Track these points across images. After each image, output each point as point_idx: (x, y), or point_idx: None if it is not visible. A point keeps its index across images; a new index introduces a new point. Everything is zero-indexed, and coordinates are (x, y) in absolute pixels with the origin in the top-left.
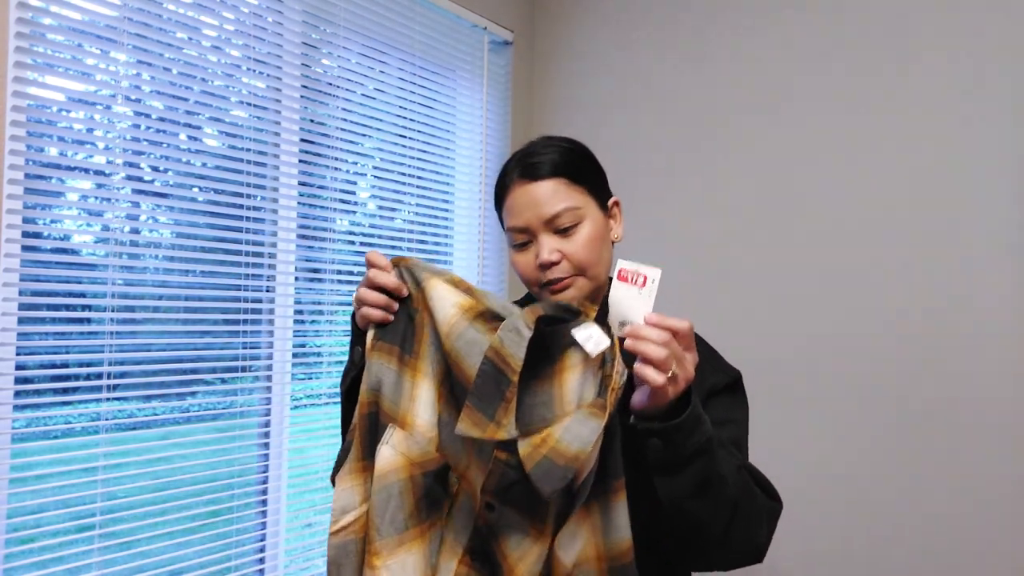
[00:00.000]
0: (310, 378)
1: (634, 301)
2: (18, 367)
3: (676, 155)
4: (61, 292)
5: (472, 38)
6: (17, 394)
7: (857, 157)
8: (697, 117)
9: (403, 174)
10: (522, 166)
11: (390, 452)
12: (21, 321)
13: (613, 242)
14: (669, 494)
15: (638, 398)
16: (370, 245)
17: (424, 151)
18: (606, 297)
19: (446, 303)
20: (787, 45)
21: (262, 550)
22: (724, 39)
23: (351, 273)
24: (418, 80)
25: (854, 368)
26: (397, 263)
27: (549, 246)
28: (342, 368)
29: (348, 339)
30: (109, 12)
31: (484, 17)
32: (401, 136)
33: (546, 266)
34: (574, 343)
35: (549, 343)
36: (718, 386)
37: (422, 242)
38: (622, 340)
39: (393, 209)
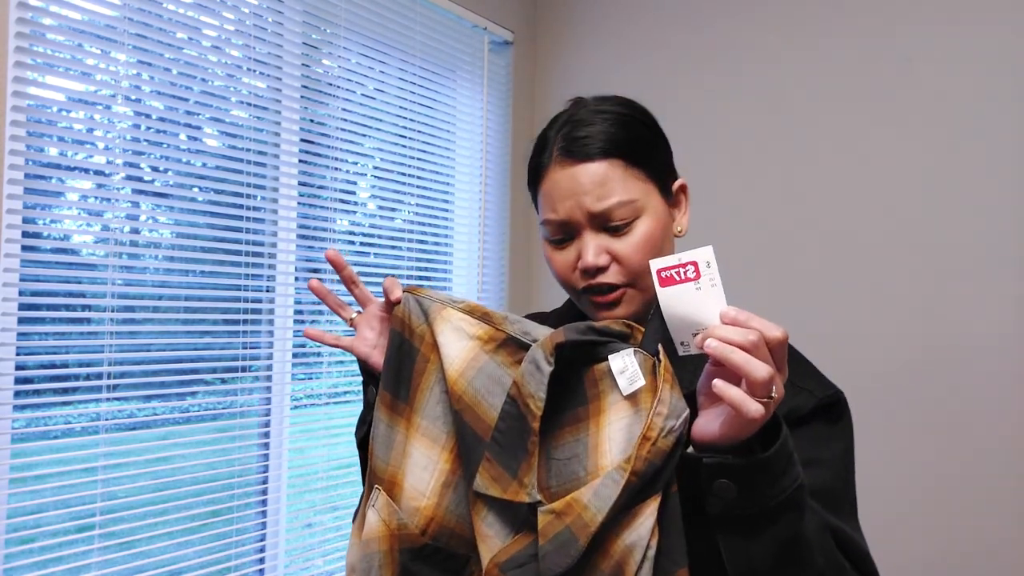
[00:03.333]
0: (310, 378)
1: (698, 298)
2: (18, 367)
3: (676, 155)
4: (61, 292)
5: (472, 38)
6: (17, 394)
7: (870, 155)
8: (698, 117)
9: (403, 174)
10: (565, 141)
11: (374, 517)
12: (21, 321)
13: (678, 237)
14: (741, 565)
15: (706, 429)
16: (370, 245)
17: (424, 151)
18: (652, 313)
19: (460, 337)
20: (788, 45)
21: (262, 550)
22: (724, 38)
23: None
24: (418, 80)
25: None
26: (409, 292)
27: (596, 246)
28: (342, 368)
29: (348, 339)
30: (109, 12)
31: (484, 17)
32: (401, 136)
33: (591, 271)
34: (611, 374)
35: (580, 374)
36: (801, 410)
37: (422, 242)
38: (677, 364)
39: (393, 209)
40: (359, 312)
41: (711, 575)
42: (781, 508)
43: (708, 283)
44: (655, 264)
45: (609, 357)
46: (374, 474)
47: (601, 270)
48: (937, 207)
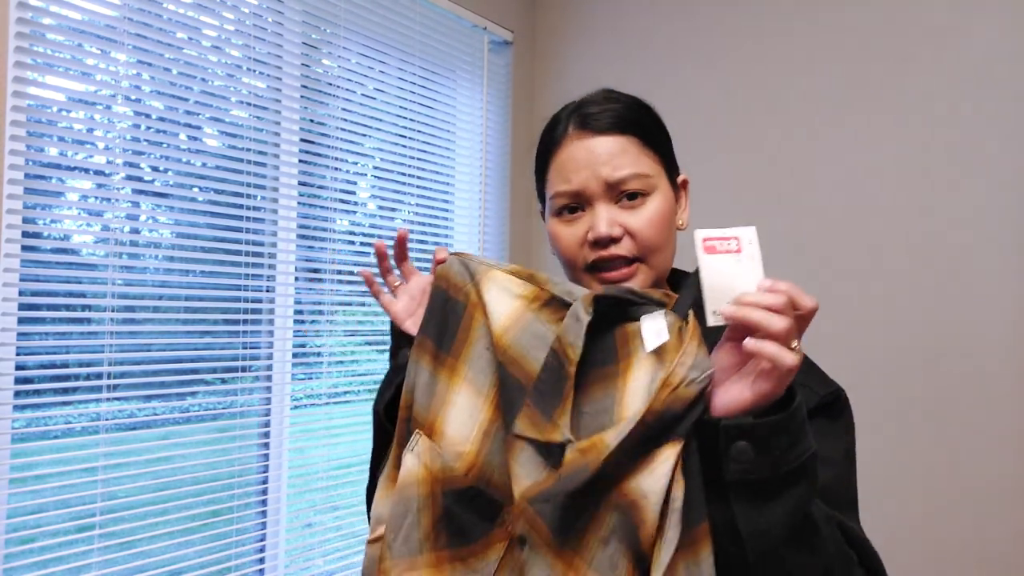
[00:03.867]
0: (310, 378)
1: (737, 270)
2: (18, 367)
3: (676, 153)
4: (61, 292)
5: (472, 38)
6: (17, 394)
7: (859, 155)
8: (698, 117)
9: (403, 174)
10: (581, 116)
11: (413, 461)
12: (21, 321)
13: (679, 229)
14: (756, 529)
15: (725, 397)
16: (370, 245)
17: (424, 151)
18: (688, 281)
19: (506, 296)
20: (788, 44)
21: (262, 550)
22: (725, 38)
23: (351, 273)
24: (418, 80)
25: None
26: (456, 255)
27: (608, 217)
28: (342, 368)
29: (348, 339)
30: (109, 12)
31: (484, 17)
32: (401, 136)
33: (603, 242)
34: (641, 334)
35: (612, 332)
36: (807, 406)
37: (422, 242)
38: (706, 327)
39: (393, 209)
40: (402, 283)
41: (723, 550)
42: (797, 474)
43: (749, 257)
44: (700, 233)
45: (641, 318)
46: (415, 420)
47: (614, 241)
48: (937, 206)
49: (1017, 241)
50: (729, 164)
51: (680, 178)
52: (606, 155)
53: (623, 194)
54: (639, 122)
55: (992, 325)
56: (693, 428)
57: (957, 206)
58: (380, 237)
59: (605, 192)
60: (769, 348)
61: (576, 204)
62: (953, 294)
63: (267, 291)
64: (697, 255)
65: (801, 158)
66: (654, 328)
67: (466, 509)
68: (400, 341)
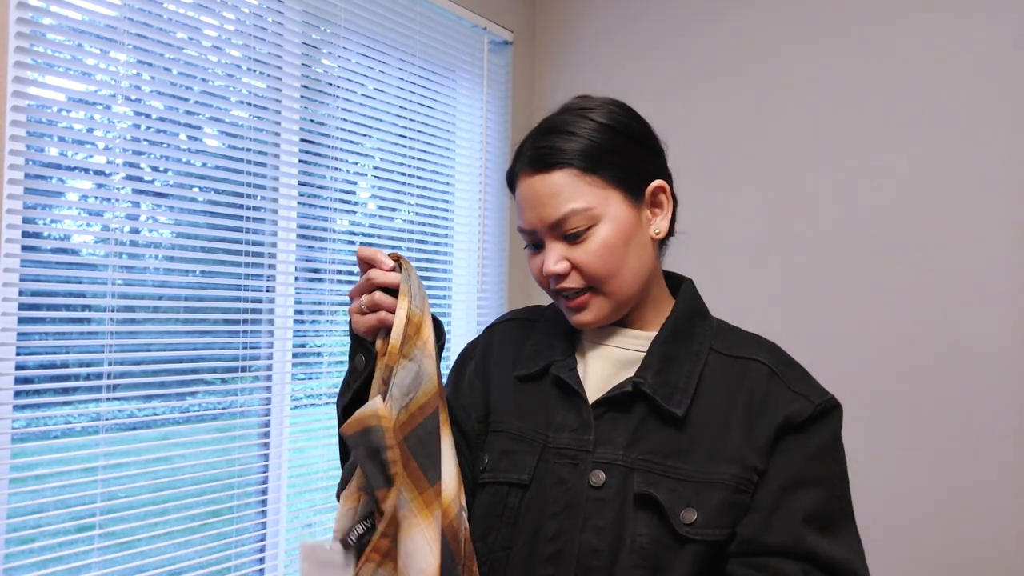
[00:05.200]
0: (310, 378)
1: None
2: (18, 367)
3: (676, 155)
4: (61, 292)
5: (472, 38)
6: (17, 394)
7: (857, 157)
8: (698, 117)
9: (403, 174)
10: (530, 151)
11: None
12: (21, 321)
13: (655, 239)
14: None
15: None
16: (370, 245)
17: (424, 151)
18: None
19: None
20: (788, 45)
21: (262, 550)
22: (724, 38)
23: (351, 273)
24: (418, 80)
25: (863, 370)
26: (398, 259)
27: (555, 254)
28: (342, 368)
29: (348, 339)
30: (109, 12)
31: (484, 17)
32: (401, 136)
33: (552, 277)
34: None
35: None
36: (799, 417)
37: (422, 242)
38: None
39: (393, 209)
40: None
41: None
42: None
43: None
44: (302, 544)
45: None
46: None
47: (561, 277)
48: (938, 207)
49: (1018, 241)
50: (728, 164)
51: (652, 185)
52: (545, 195)
53: (566, 231)
54: (581, 150)
55: (992, 325)
56: None
57: (957, 206)
58: (380, 237)
59: (549, 231)
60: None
61: (533, 243)
62: (953, 294)
63: (267, 291)
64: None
65: (801, 158)
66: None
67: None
68: (358, 346)
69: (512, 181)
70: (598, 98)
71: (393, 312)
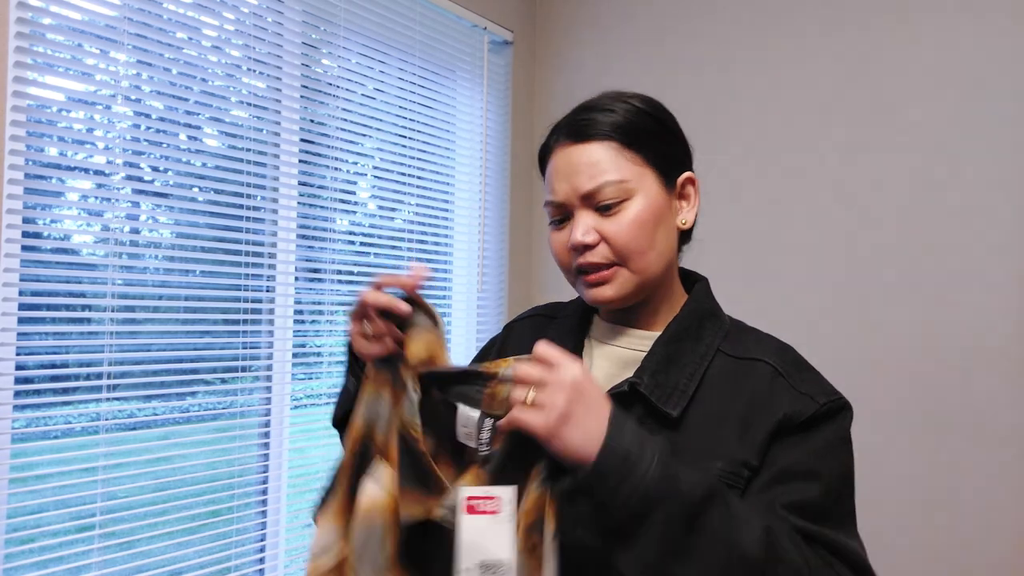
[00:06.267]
0: (310, 378)
1: (492, 531)
2: (18, 367)
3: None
4: (61, 292)
5: (472, 38)
6: (17, 394)
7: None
8: (698, 117)
9: (403, 174)
10: (566, 124)
11: (375, 488)
12: (21, 321)
13: (681, 230)
14: (630, 562)
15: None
16: (370, 245)
17: (424, 151)
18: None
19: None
20: (787, 43)
21: (262, 550)
22: (723, 38)
23: (351, 273)
24: (418, 80)
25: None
26: (415, 301)
27: (585, 224)
28: (342, 368)
29: (348, 339)
30: (109, 12)
31: (484, 17)
32: (401, 136)
33: (579, 248)
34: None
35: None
36: (801, 416)
37: (422, 242)
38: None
39: (393, 209)
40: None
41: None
42: (642, 506)
43: (506, 519)
44: (464, 491)
45: (458, 411)
46: (377, 447)
47: (589, 248)
48: (938, 208)
49: (1018, 242)
50: (728, 165)
51: (683, 176)
52: (583, 165)
53: (599, 202)
54: (622, 125)
55: (992, 326)
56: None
57: (957, 207)
58: (380, 237)
59: (582, 201)
60: (513, 415)
61: (561, 216)
62: (953, 295)
63: (267, 291)
64: (457, 513)
65: (801, 158)
66: (463, 424)
67: (422, 537)
68: (354, 361)
69: (545, 156)
70: (639, 93)
71: (398, 340)
